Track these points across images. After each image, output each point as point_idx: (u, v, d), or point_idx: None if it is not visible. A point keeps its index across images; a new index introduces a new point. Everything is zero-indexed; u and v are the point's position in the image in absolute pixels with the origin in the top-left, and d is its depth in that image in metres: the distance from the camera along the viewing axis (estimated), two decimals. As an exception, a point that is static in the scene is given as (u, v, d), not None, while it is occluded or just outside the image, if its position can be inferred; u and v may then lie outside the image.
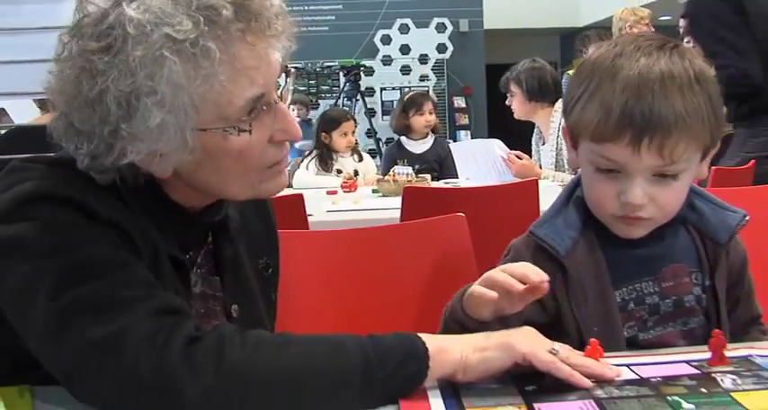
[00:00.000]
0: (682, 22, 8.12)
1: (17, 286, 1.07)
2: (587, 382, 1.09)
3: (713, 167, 3.24)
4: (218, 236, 1.33)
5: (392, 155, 5.37)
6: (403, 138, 5.52)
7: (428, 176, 4.41)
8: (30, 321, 1.07)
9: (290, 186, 4.96)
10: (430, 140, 5.49)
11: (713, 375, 1.13)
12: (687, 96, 1.29)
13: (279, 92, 1.21)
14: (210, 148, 1.15)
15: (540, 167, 4.46)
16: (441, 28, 10.92)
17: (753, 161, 3.59)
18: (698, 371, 1.15)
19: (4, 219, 1.10)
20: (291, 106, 1.29)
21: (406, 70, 10.95)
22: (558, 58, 12.83)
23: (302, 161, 5.24)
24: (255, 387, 1.02)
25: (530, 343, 1.12)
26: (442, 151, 5.35)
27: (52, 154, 1.19)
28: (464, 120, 11.25)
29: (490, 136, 4.81)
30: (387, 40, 10.82)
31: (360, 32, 10.76)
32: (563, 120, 1.45)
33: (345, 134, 5.19)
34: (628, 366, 1.17)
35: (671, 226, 1.42)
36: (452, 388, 1.11)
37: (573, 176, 1.51)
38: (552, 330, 1.28)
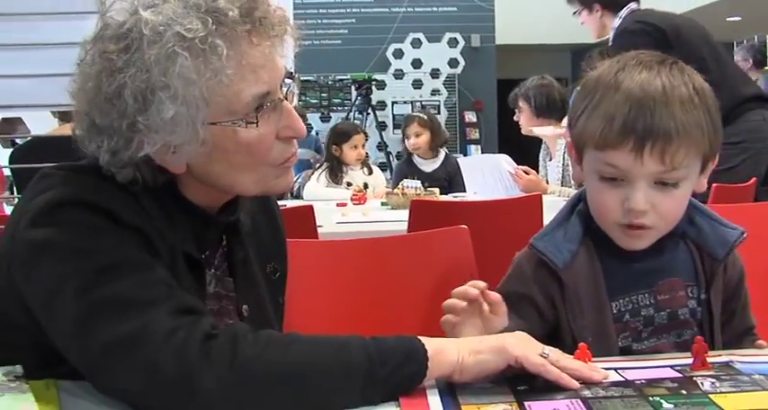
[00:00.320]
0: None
1: (47, 285, 1.15)
2: (575, 384, 1.16)
3: (714, 184, 3.30)
4: (231, 239, 1.41)
5: (402, 172, 5.41)
6: (414, 156, 5.56)
7: (436, 190, 4.44)
8: (58, 318, 1.15)
9: (300, 197, 5.03)
10: (440, 158, 5.53)
11: (694, 378, 1.19)
12: (687, 107, 1.34)
13: (284, 93, 1.30)
14: (221, 141, 1.23)
15: (547, 182, 4.49)
16: (453, 43, 10.96)
17: (754, 178, 3.64)
18: (680, 375, 1.21)
19: (36, 223, 1.18)
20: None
21: (417, 84, 10.99)
22: (568, 74, 12.86)
23: (313, 173, 5.30)
24: (265, 381, 1.09)
25: (522, 347, 1.19)
26: (451, 167, 5.38)
27: (80, 162, 1.28)
28: (474, 135, 11.27)
29: (500, 151, 4.85)
30: (399, 54, 10.87)
31: (372, 46, 10.80)
32: (568, 136, 1.51)
33: (355, 147, 5.25)
34: (615, 369, 1.24)
35: (670, 239, 1.45)
36: (449, 387, 1.18)
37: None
38: (550, 338, 1.36)
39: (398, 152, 6.86)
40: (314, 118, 10.64)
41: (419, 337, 1.18)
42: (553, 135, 4.48)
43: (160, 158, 1.24)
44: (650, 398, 1.11)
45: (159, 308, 1.12)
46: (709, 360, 1.25)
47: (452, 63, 10.98)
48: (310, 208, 2.97)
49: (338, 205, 4.26)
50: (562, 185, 4.42)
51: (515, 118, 4.64)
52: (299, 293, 1.70)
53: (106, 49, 1.20)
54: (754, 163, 3.57)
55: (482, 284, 1.36)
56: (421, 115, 5.73)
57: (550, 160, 4.64)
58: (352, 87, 10.34)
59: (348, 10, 10.86)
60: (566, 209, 1.53)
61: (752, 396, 1.13)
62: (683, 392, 1.14)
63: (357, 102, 9.88)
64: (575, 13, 4.12)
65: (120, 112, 1.19)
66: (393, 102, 10.85)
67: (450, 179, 5.33)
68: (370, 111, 9.79)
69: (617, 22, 3.88)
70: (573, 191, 4.00)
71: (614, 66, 1.42)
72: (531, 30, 12.07)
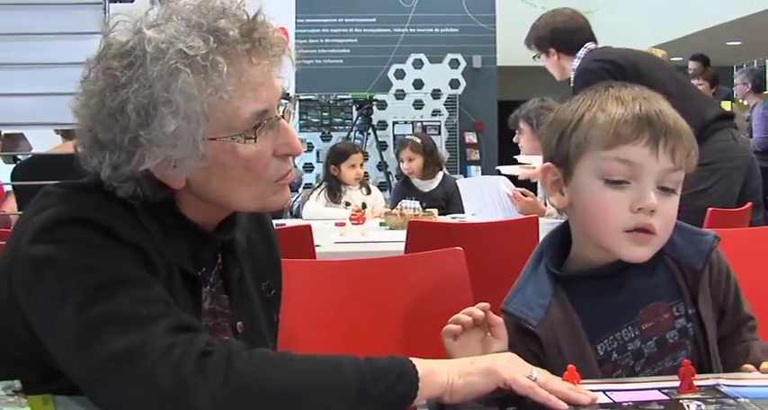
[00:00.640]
0: (691, 64, 8.25)
1: (47, 301, 1.18)
2: (564, 405, 1.18)
3: (709, 208, 3.32)
4: (227, 256, 1.44)
5: (400, 192, 5.44)
6: (412, 176, 5.58)
7: (435, 211, 4.47)
8: (57, 334, 1.17)
9: (299, 217, 5.05)
10: (438, 179, 5.56)
11: (681, 401, 1.21)
12: (681, 119, 1.41)
13: (280, 112, 1.33)
14: (220, 156, 1.27)
15: (545, 204, 4.51)
16: (454, 64, 10.98)
17: (750, 202, 3.66)
18: (667, 398, 1.23)
19: (38, 240, 1.21)
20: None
21: (418, 105, 11.00)
22: (569, 96, 12.84)
23: (312, 193, 5.33)
24: (259, 398, 1.11)
25: (511, 369, 1.21)
26: (449, 188, 5.41)
27: (81, 180, 1.32)
28: (475, 156, 11.28)
29: (500, 172, 4.86)
30: (400, 74, 10.89)
31: (374, 66, 10.82)
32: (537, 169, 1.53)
33: (353, 166, 5.27)
34: (603, 391, 1.25)
35: (644, 263, 1.44)
36: (440, 408, 1.20)
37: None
38: None
39: (397, 172, 6.82)
40: (315, 137, 10.66)
41: (411, 358, 1.20)
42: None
43: (161, 172, 1.27)
44: (637, 420, 1.14)
45: (157, 325, 1.14)
46: (696, 383, 1.27)
47: (453, 84, 11.00)
48: (308, 227, 3.00)
49: (337, 225, 4.28)
50: (560, 207, 4.41)
51: (515, 139, 4.65)
52: (295, 312, 1.73)
53: (110, 66, 1.24)
54: (727, 183, 3.60)
55: (486, 305, 1.38)
56: (414, 139, 5.77)
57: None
58: (353, 107, 10.36)
59: (350, 30, 10.89)
60: (532, 259, 1.52)
61: (736, 419, 1.15)
62: (669, 414, 1.16)
63: (358, 122, 9.92)
64: (534, 56, 4.16)
65: (122, 127, 1.23)
66: (394, 122, 10.86)
67: (447, 199, 5.35)
68: (370, 130, 9.82)
69: (576, 62, 3.92)
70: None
71: (595, 88, 1.48)
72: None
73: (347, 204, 5.12)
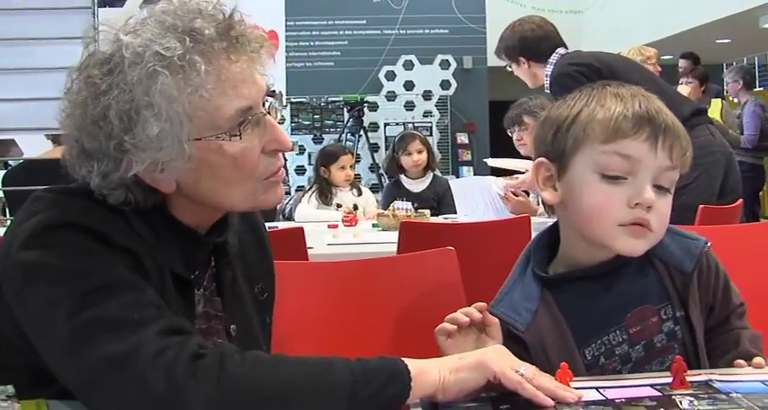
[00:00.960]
0: (681, 62, 8.27)
1: (39, 307, 1.18)
2: (550, 402, 1.18)
3: (701, 206, 3.34)
4: (219, 259, 1.44)
5: (391, 193, 5.41)
6: (402, 177, 5.55)
7: (427, 212, 4.45)
8: (50, 338, 1.17)
9: (291, 219, 5.05)
10: (428, 179, 5.53)
11: (673, 397, 1.21)
12: (677, 120, 1.42)
13: (266, 108, 1.33)
14: (207, 156, 1.27)
15: (538, 204, 4.50)
16: (445, 65, 10.99)
17: (741, 199, 3.68)
18: (659, 394, 1.24)
19: (28, 245, 1.21)
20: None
21: (409, 106, 11.01)
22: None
23: (303, 195, 5.33)
24: (251, 400, 1.11)
25: (500, 362, 1.22)
26: (440, 188, 5.39)
27: (71, 185, 1.31)
28: (467, 157, 11.29)
29: (492, 172, 4.83)
30: (391, 76, 10.89)
31: (364, 68, 10.83)
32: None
33: (343, 168, 5.26)
34: (595, 388, 1.26)
35: (634, 264, 1.44)
36: (433, 407, 1.20)
37: None
38: None
39: (389, 172, 6.75)
40: (306, 139, 10.66)
41: (403, 358, 1.21)
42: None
43: (149, 177, 1.27)
44: (629, 416, 1.14)
45: (149, 329, 1.14)
46: (689, 378, 1.27)
47: (444, 85, 11.02)
48: (301, 229, 3.00)
49: (329, 227, 4.28)
50: (553, 206, 4.38)
51: (516, 136, 4.52)
52: (288, 314, 1.73)
53: (91, 75, 1.24)
54: (708, 178, 3.61)
55: (483, 305, 1.39)
56: (420, 134, 5.78)
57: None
58: (345, 109, 10.37)
59: (341, 32, 10.90)
60: (519, 264, 1.52)
61: (729, 414, 1.15)
62: (662, 410, 1.16)
63: (349, 124, 9.93)
64: (506, 66, 4.17)
65: (107, 134, 1.23)
66: (385, 124, 10.87)
67: (439, 200, 5.33)
68: (362, 132, 9.84)
69: (549, 68, 3.93)
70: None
71: (592, 86, 1.48)
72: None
73: (338, 206, 5.12)
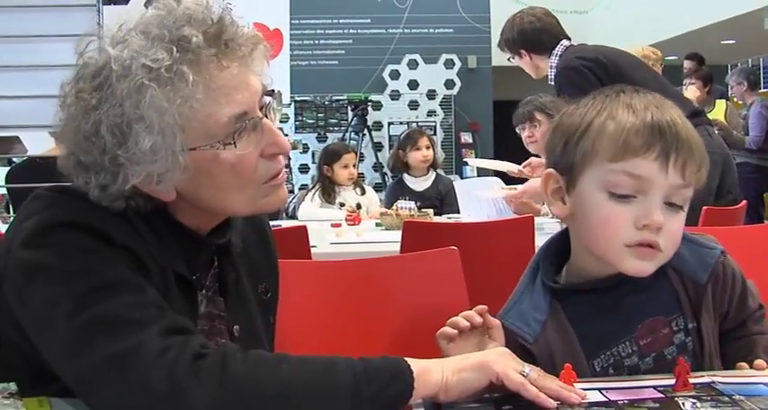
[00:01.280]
0: (686, 63, 8.25)
1: (40, 306, 1.18)
2: (552, 403, 1.18)
3: (704, 207, 3.33)
4: (222, 259, 1.43)
5: (394, 192, 5.41)
6: (405, 175, 5.55)
7: (430, 211, 4.46)
8: (51, 338, 1.17)
9: (295, 218, 5.06)
10: (431, 177, 5.52)
11: (676, 399, 1.21)
12: (695, 132, 1.38)
13: (263, 111, 1.32)
14: (204, 165, 1.26)
15: (541, 204, 4.48)
16: (449, 64, 10.99)
17: (744, 200, 3.67)
18: (662, 395, 1.23)
19: (29, 244, 1.20)
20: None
21: (413, 105, 11.01)
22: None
23: (307, 193, 5.33)
24: (254, 400, 1.11)
25: (503, 363, 1.21)
26: (443, 187, 5.40)
27: (70, 184, 1.31)
28: (470, 156, 11.29)
29: (496, 172, 4.80)
30: (395, 75, 10.89)
31: (369, 67, 10.83)
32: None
33: (346, 166, 5.27)
34: (599, 389, 1.26)
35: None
36: (435, 407, 1.20)
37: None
38: None
39: (393, 172, 6.68)
40: (310, 138, 10.68)
41: (405, 358, 1.21)
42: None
43: (147, 188, 1.26)
44: (631, 418, 1.14)
45: (150, 328, 1.14)
46: (692, 380, 1.27)
47: (449, 84, 11.02)
48: (304, 228, 3.00)
49: (333, 225, 4.27)
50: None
51: (527, 133, 4.38)
52: (291, 313, 1.73)
53: (81, 89, 1.24)
54: (706, 178, 3.61)
55: (484, 308, 1.38)
56: (425, 131, 5.78)
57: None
58: (349, 108, 10.38)
59: (345, 31, 10.90)
60: (528, 273, 1.49)
61: (732, 416, 1.15)
62: (664, 411, 1.16)
63: (353, 123, 9.94)
64: (508, 58, 4.17)
65: (100, 149, 1.22)
66: (389, 123, 10.88)
67: (442, 198, 5.33)
68: (366, 131, 9.84)
69: (554, 60, 3.91)
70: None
71: (606, 92, 1.43)
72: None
73: (341, 205, 5.12)
